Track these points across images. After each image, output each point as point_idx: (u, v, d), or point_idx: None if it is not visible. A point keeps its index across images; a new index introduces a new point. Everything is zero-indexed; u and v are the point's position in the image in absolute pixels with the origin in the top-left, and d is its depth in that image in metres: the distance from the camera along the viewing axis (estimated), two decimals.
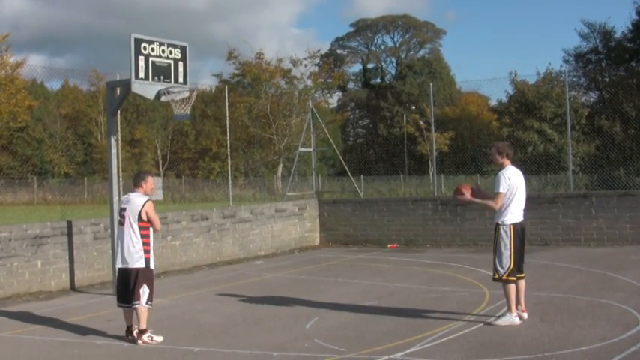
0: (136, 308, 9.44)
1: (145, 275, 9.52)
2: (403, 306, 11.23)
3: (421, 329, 9.40)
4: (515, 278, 9.63)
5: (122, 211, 9.69)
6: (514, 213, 9.69)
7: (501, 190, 9.61)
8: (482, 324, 9.58)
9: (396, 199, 24.21)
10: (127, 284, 9.51)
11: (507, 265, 9.56)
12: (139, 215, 9.49)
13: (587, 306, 10.57)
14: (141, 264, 9.48)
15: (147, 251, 9.53)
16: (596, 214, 18.33)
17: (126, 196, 9.83)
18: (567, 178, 21.63)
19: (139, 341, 9.34)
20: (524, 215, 9.89)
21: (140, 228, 9.52)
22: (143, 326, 9.41)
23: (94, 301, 12.96)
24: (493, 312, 10.23)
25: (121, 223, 9.65)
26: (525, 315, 9.70)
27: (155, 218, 9.62)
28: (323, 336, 9.30)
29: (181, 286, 14.15)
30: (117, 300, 9.84)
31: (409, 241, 20.40)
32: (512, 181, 9.68)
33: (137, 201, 9.59)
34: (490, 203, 9.70)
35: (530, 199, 18.54)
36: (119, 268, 9.69)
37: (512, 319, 9.55)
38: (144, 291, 9.46)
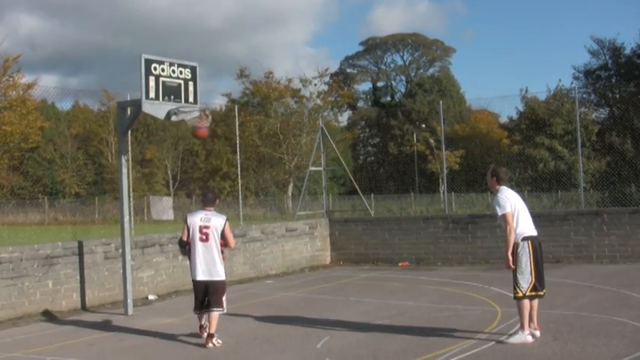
0: (216, 314, 10.35)
1: (225, 286, 10.62)
2: (415, 325, 11.18)
3: (433, 348, 9.36)
4: (543, 293, 9.60)
5: (204, 228, 10.49)
6: (525, 227, 9.64)
7: (508, 210, 9.57)
8: (494, 342, 9.53)
9: (406, 218, 24.17)
10: (208, 294, 10.45)
11: (529, 281, 9.48)
12: (222, 233, 10.48)
13: (600, 324, 10.50)
14: (223, 277, 10.50)
15: (224, 266, 10.58)
16: (608, 231, 18.25)
17: (202, 214, 10.66)
18: (578, 195, 21.57)
19: (210, 344, 10.12)
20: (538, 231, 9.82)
21: (221, 245, 10.51)
22: (213, 330, 10.27)
23: (105, 321, 12.93)
24: (505, 330, 10.17)
25: (203, 240, 10.48)
26: (538, 333, 9.64)
27: (232, 237, 10.72)
28: (334, 355, 9.27)
29: (192, 306, 14.09)
30: (195, 309, 10.74)
31: (420, 260, 20.34)
32: (512, 200, 9.67)
33: (219, 220, 10.56)
34: (508, 238, 9.54)
35: (541, 217, 18.64)
36: (199, 281, 10.50)
37: (525, 337, 9.47)
38: (224, 299, 10.54)
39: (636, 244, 17.91)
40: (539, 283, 9.54)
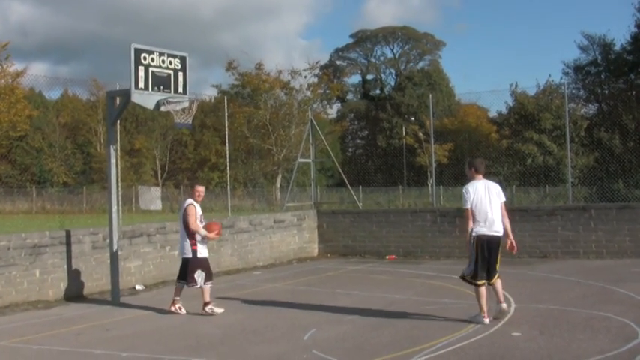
0: (197, 288, 12.03)
1: (195, 263, 12.00)
2: (402, 317, 11.22)
3: (420, 341, 9.39)
4: (482, 282, 10.52)
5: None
6: (478, 225, 10.56)
7: (465, 206, 10.66)
8: (480, 336, 9.56)
9: (394, 211, 24.20)
10: (183, 269, 12.16)
11: (471, 270, 10.58)
12: (182, 216, 12.06)
13: (586, 319, 10.56)
14: (189, 254, 12.01)
15: (193, 244, 11.99)
16: (595, 226, 18.33)
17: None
18: (566, 191, 21.66)
19: (206, 308, 11.91)
20: (496, 226, 10.58)
21: (185, 226, 12.05)
22: (206, 299, 11.98)
23: (92, 311, 12.93)
24: (492, 323, 10.24)
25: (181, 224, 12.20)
26: (504, 305, 10.64)
27: (187, 219, 11.96)
28: (321, 347, 9.29)
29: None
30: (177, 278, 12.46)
31: (408, 253, 20.37)
32: (473, 193, 10.61)
33: (183, 205, 12.26)
34: (467, 229, 10.69)
35: (528, 211, 18.80)
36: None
37: (480, 319, 10.36)
38: (199, 275, 11.95)
39: (622, 239, 18.01)
40: (484, 274, 10.51)
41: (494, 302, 10.65)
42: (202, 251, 12.11)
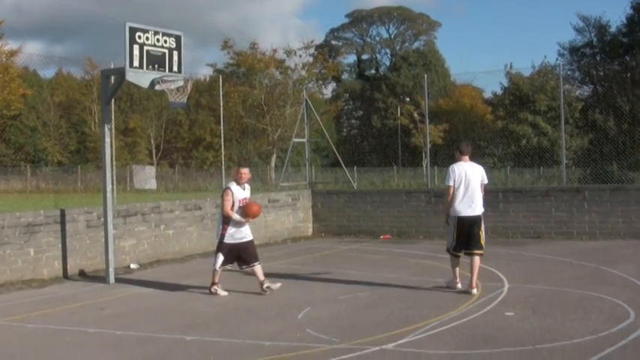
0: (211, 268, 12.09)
1: (219, 247, 12.00)
2: (395, 297, 11.25)
3: (413, 320, 9.43)
4: (459, 254, 11.49)
5: None
6: (458, 207, 11.35)
7: (448, 183, 11.51)
8: (474, 316, 9.61)
9: (389, 191, 24.19)
10: None
11: (452, 244, 11.51)
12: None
13: (579, 299, 10.61)
14: (218, 237, 12.06)
15: (224, 228, 11.91)
16: (588, 207, 18.35)
17: None
18: (560, 172, 21.65)
19: (211, 289, 12.00)
20: (477, 207, 11.37)
21: (219, 212, 12.43)
22: (215, 280, 12.02)
23: (86, 290, 12.95)
24: (485, 303, 10.29)
25: None
26: (474, 291, 11.15)
27: (222, 203, 11.88)
28: (315, 326, 9.32)
29: (174, 275, 14.15)
30: None
31: (402, 233, 20.40)
32: (458, 173, 11.40)
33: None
34: (446, 205, 11.71)
35: (523, 192, 18.88)
36: None
37: (454, 284, 11.55)
38: (218, 258, 11.91)
39: (616, 221, 18.04)
40: (462, 247, 11.43)
41: (484, 282, 10.68)
42: (231, 237, 11.87)
